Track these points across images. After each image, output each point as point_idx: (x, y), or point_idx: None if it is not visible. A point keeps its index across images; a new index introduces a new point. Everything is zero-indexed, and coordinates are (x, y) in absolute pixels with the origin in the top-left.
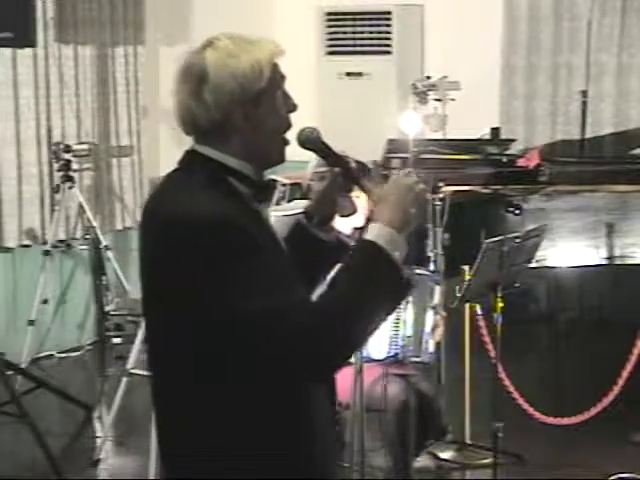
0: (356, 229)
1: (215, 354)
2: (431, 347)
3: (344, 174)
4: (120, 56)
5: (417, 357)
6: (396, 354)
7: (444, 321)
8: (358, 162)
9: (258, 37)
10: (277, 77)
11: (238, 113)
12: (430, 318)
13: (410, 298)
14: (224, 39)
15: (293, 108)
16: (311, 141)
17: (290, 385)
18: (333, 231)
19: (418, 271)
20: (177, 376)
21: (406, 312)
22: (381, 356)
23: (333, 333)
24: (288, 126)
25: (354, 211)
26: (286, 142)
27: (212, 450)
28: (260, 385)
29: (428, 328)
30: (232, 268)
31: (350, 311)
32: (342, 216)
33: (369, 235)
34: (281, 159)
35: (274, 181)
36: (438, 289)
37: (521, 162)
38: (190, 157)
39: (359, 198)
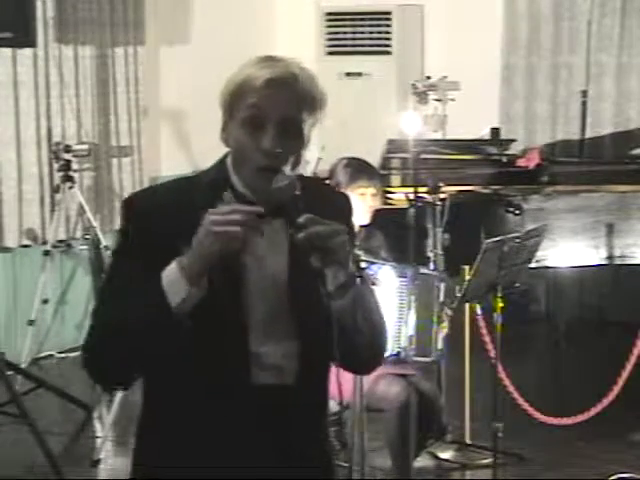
0: (361, 227)
1: None
2: (440, 344)
3: None
4: (120, 56)
5: (421, 357)
6: (398, 354)
7: (449, 317)
8: (364, 163)
9: (277, 64)
10: (243, 101)
11: (224, 117)
12: (436, 315)
13: (413, 297)
14: (254, 57)
15: (263, 146)
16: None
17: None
18: None
19: (423, 270)
20: None
21: (409, 311)
22: None
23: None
24: (256, 160)
25: None
26: (260, 176)
27: None
28: None
29: (436, 325)
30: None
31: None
32: None
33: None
34: (254, 188)
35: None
36: (443, 286)
37: (521, 162)
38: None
39: (365, 196)
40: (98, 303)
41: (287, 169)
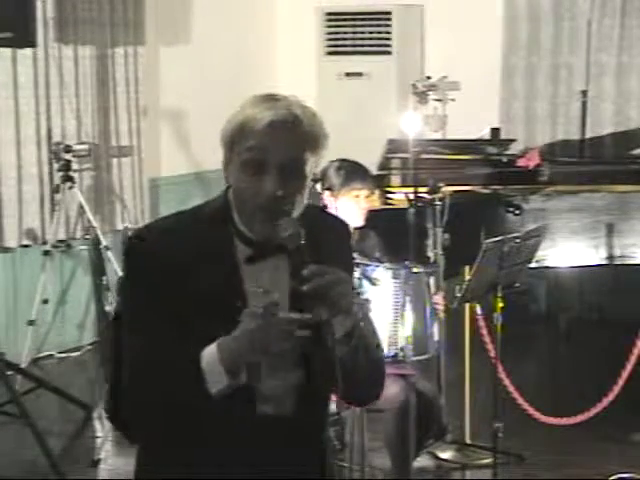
0: (355, 229)
1: None
2: (436, 335)
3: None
4: (120, 56)
5: (420, 355)
6: (395, 354)
7: (442, 305)
8: (357, 164)
9: (278, 104)
10: (244, 142)
11: (225, 155)
12: (429, 308)
13: (408, 298)
14: (255, 96)
15: (265, 189)
16: None
17: None
18: None
19: (415, 270)
20: None
21: (404, 312)
22: None
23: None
24: (257, 202)
25: None
26: (261, 220)
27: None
28: None
29: (429, 318)
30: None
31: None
32: None
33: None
34: (254, 229)
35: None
36: (433, 279)
37: (521, 162)
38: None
39: (358, 198)
40: (131, 374)
41: (291, 210)
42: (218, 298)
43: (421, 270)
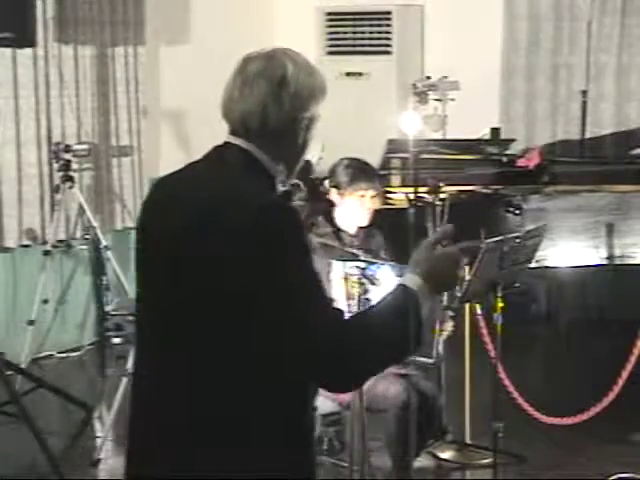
0: (360, 228)
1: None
2: (440, 348)
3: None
4: (120, 56)
5: (422, 357)
6: None
7: (452, 319)
8: (365, 164)
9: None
10: (317, 105)
11: (303, 122)
12: (437, 321)
13: None
14: (296, 53)
15: None
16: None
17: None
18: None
19: None
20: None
21: None
22: None
23: (359, 360)
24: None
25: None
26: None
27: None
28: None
29: (437, 329)
30: (296, 263)
31: (377, 344)
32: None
33: (411, 284)
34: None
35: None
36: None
37: (521, 162)
38: (224, 149)
39: (364, 198)
40: (339, 334)
41: None
42: None
43: None
